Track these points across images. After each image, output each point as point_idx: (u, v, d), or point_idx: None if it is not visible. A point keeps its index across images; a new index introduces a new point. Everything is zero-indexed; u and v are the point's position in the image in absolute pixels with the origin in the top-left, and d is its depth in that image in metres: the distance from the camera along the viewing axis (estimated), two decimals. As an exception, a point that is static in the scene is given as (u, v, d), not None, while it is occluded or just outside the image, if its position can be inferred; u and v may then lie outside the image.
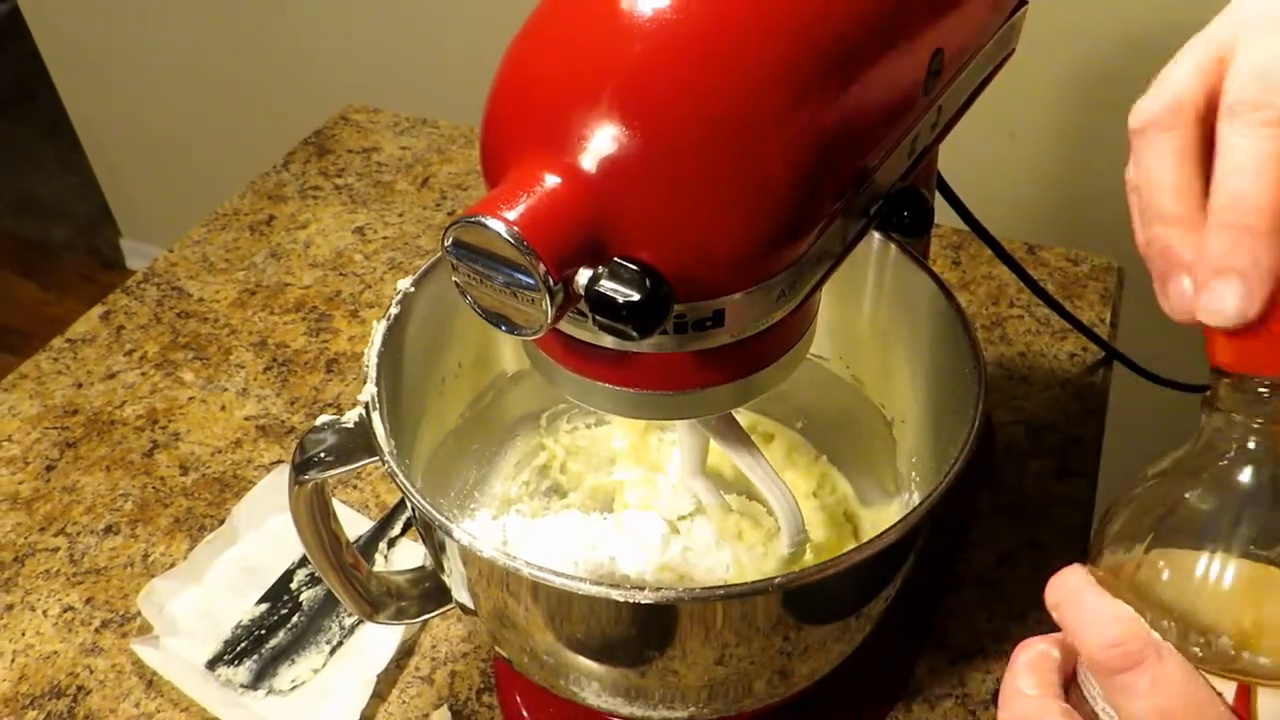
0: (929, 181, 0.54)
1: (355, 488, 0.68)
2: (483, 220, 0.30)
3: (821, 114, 0.33)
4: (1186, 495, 0.31)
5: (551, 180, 0.31)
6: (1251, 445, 0.29)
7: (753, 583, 0.36)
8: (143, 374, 0.75)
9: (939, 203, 0.59)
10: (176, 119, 1.66)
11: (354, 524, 0.65)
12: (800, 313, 0.38)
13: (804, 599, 0.40)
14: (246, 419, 0.72)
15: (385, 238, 0.87)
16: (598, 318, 0.30)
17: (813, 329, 0.41)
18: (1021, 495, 0.66)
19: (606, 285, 0.30)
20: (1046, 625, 0.59)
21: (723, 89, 0.31)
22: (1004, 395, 0.72)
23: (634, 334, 0.30)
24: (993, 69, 0.48)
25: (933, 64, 0.39)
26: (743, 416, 0.60)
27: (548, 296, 0.30)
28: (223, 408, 0.73)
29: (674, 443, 0.59)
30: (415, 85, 1.34)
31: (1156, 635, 0.29)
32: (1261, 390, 0.29)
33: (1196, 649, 0.29)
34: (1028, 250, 0.84)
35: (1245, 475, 0.29)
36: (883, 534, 0.36)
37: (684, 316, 0.34)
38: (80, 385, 0.74)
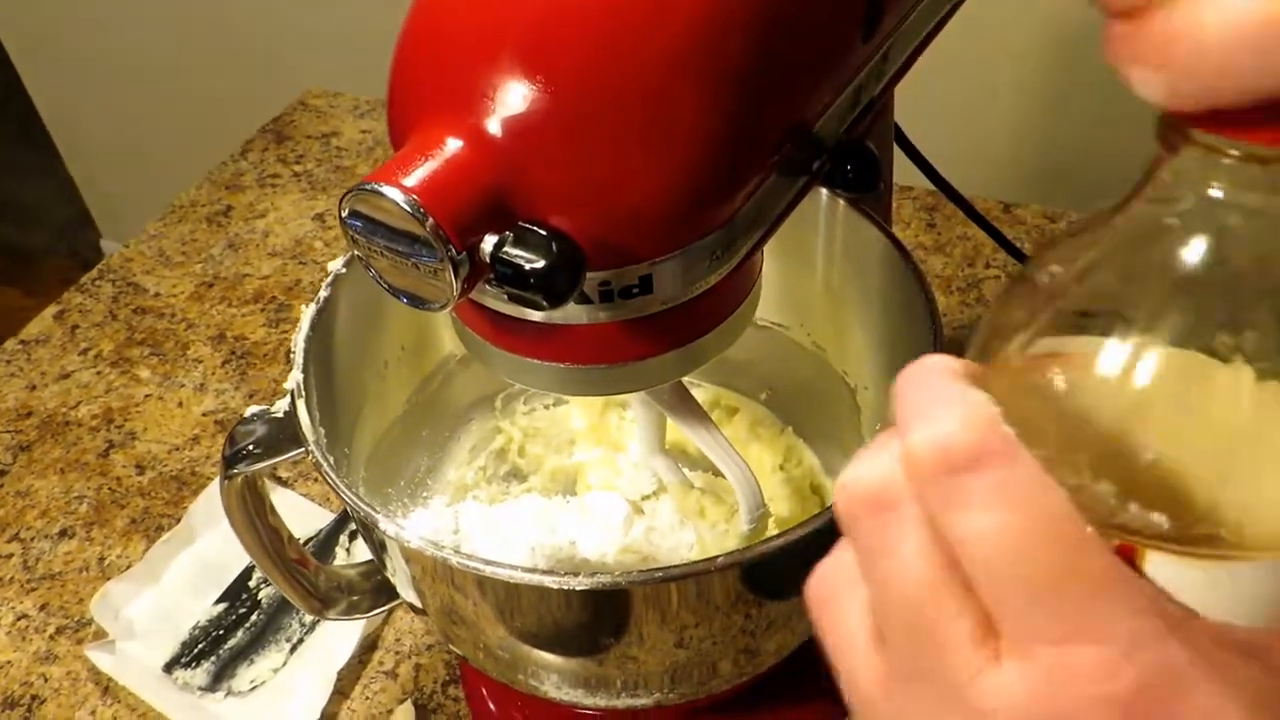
0: (885, 137, 0.52)
1: (316, 480, 0.66)
2: (378, 188, 0.28)
3: (741, 61, 0.31)
4: (1107, 263, 0.21)
5: (453, 144, 0.29)
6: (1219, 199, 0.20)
7: (692, 563, 0.34)
8: (98, 373, 0.73)
9: (909, 163, 0.57)
10: (149, 117, 1.64)
11: (315, 518, 0.63)
12: (740, 275, 0.36)
13: (757, 575, 0.38)
14: (205, 414, 0.70)
15: (345, 224, 0.85)
16: (505, 287, 0.28)
17: (757, 291, 0.38)
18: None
19: (511, 252, 0.28)
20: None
21: (628, 36, 0.29)
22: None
23: (544, 303, 0.28)
24: (945, 14, 0.46)
25: (871, 6, 0.37)
26: (705, 391, 0.58)
27: (451, 268, 0.28)
28: (180, 404, 0.71)
29: (635, 420, 0.57)
30: (376, 67, 1.31)
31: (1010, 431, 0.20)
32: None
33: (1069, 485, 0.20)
34: (1003, 209, 0.82)
35: (1199, 246, 0.20)
36: (828, 509, 0.34)
37: (609, 284, 0.32)
38: (34, 387, 0.72)
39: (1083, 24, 0.97)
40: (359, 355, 0.46)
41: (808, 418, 0.55)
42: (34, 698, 0.55)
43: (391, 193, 0.28)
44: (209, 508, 0.63)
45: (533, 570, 0.33)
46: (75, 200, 1.92)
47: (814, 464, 0.54)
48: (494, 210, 0.29)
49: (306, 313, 0.43)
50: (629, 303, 0.33)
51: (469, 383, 0.54)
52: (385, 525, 0.35)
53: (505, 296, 0.32)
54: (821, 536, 0.36)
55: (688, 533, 0.51)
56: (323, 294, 0.44)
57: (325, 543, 0.61)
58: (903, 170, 0.56)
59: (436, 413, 0.53)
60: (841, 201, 0.46)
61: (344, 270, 0.45)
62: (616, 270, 0.32)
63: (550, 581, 0.33)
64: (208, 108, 1.55)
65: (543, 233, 0.28)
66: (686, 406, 0.45)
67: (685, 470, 0.53)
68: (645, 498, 0.54)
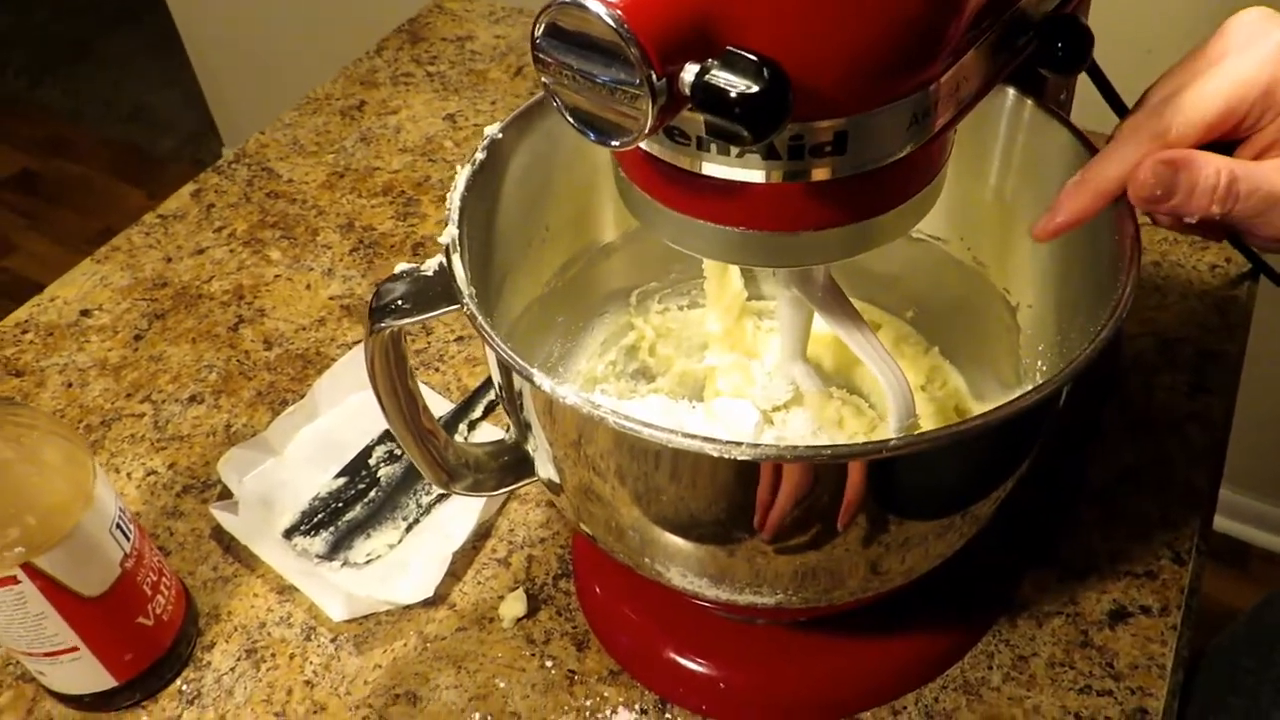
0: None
1: (437, 370, 0.66)
2: (581, 1, 0.26)
3: (975, -102, 0.28)
4: None
5: (659, -37, 0.27)
6: None
7: (864, 443, 0.32)
8: (231, 251, 0.74)
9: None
10: (278, 32, 1.66)
11: (435, 406, 0.63)
12: (930, 152, 0.34)
13: (915, 473, 0.36)
14: (331, 298, 0.71)
15: (476, 125, 0.84)
16: (707, 117, 0.27)
17: (942, 177, 0.36)
18: (1149, 411, 0.61)
19: (719, 75, 0.26)
20: (1170, 548, 0.54)
21: None
22: (1134, 306, 0.66)
23: (746, 134, 0.26)
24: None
25: None
26: (847, 304, 0.56)
27: (649, 93, 0.27)
28: (308, 286, 0.71)
29: (771, 330, 0.55)
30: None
31: None
32: None
33: None
34: (1167, 155, 0.76)
35: None
36: (1016, 399, 0.32)
37: (800, 138, 0.30)
38: (170, 259, 0.74)
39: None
40: (508, 228, 0.45)
41: (957, 338, 0.52)
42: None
43: (594, 7, 0.26)
44: (333, 385, 0.63)
45: (694, 436, 0.32)
46: (202, 110, 1.97)
47: (960, 385, 0.52)
48: (697, 36, 0.27)
49: (462, 173, 0.42)
50: (818, 162, 0.31)
51: (607, 273, 0.53)
52: (541, 380, 0.34)
53: (690, 147, 0.31)
54: (999, 434, 0.34)
55: (822, 443, 0.49)
56: (479, 155, 0.43)
57: (445, 429, 0.61)
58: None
59: (573, 300, 0.52)
60: (1029, 103, 0.43)
61: (500, 136, 0.44)
62: (811, 123, 0.30)
63: (710, 449, 0.32)
64: (333, 26, 1.56)
65: (753, 57, 0.26)
66: (841, 307, 0.43)
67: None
68: (776, 409, 0.52)
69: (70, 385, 0.65)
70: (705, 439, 0.32)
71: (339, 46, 1.55)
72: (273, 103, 1.78)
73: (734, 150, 0.31)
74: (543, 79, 0.29)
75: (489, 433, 0.61)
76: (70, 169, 2.18)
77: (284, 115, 0.86)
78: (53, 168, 2.18)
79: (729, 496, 0.36)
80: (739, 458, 0.32)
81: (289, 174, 0.81)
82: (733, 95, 0.26)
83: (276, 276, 0.72)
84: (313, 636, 0.53)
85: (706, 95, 0.26)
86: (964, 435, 0.32)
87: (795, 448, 0.31)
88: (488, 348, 0.37)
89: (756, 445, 0.31)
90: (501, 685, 0.50)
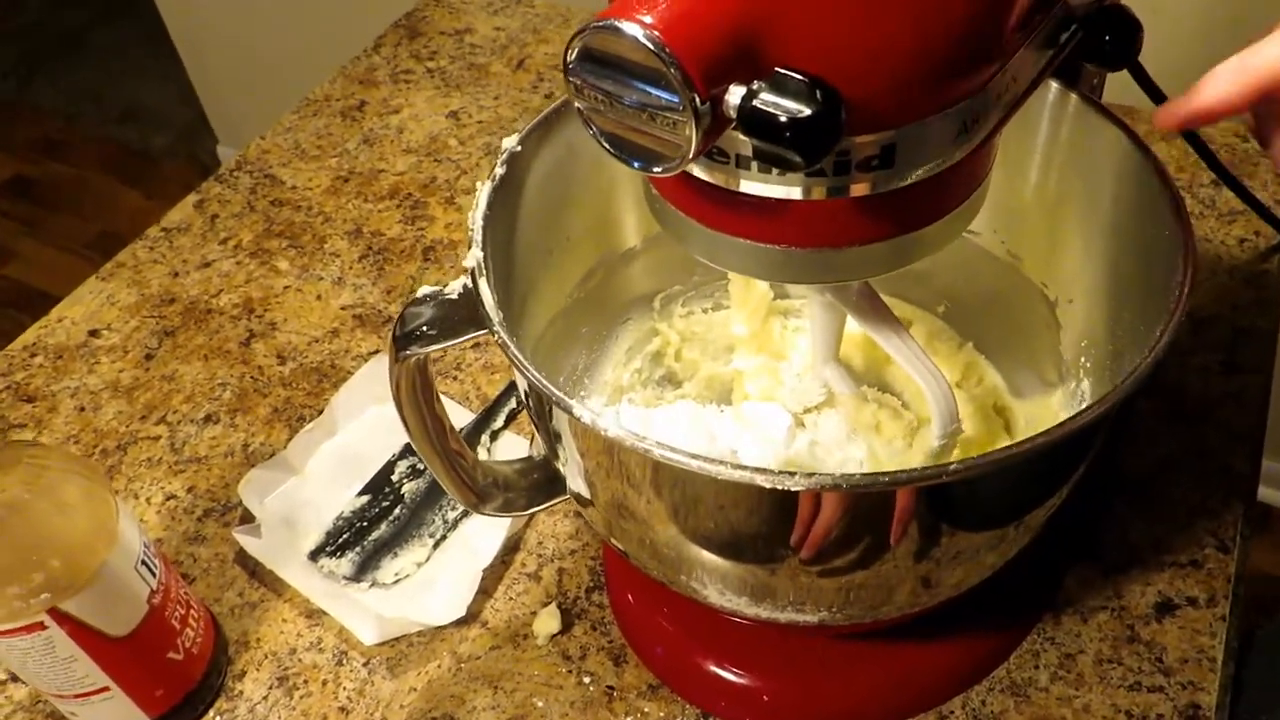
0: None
1: (455, 379, 0.65)
2: (616, 24, 0.25)
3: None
4: None
5: (697, -22, 0.26)
6: None
7: (921, 469, 0.31)
8: (238, 263, 0.73)
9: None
10: (271, 26, 1.63)
11: (455, 416, 0.61)
12: (978, 156, 0.32)
13: (971, 492, 0.35)
14: (343, 308, 0.69)
15: (480, 122, 0.82)
16: (756, 142, 0.25)
17: (987, 183, 0.35)
18: (1183, 394, 0.60)
19: (767, 99, 0.25)
20: (1214, 536, 0.53)
21: None
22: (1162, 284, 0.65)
23: (798, 159, 0.25)
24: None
25: None
26: (877, 300, 0.54)
27: (692, 117, 0.25)
28: (319, 297, 0.70)
29: (798, 329, 0.54)
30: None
31: None
32: None
33: None
34: (1190, 126, 0.75)
35: None
36: (1090, 407, 0.31)
37: (846, 153, 0.29)
38: (176, 274, 0.72)
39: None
40: (530, 241, 0.44)
41: (991, 333, 0.51)
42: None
43: (630, 29, 0.25)
44: (350, 400, 0.62)
45: (743, 467, 0.31)
46: (194, 105, 1.94)
47: (997, 383, 0.50)
48: (740, 55, 0.26)
49: (483, 190, 0.40)
50: (864, 176, 0.30)
51: (629, 279, 0.51)
52: (580, 412, 0.33)
53: (730, 164, 0.29)
54: (1067, 445, 0.33)
55: (857, 448, 0.48)
56: (499, 171, 0.41)
57: (465, 442, 0.60)
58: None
59: (596, 309, 0.50)
60: (1073, 97, 0.41)
61: (519, 148, 0.42)
62: (859, 138, 0.28)
63: (762, 480, 0.30)
64: (327, 18, 1.53)
65: (803, 79, 0.25)
66: (877, 310, 0.42)
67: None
68: (808, 410, 0.51)
69: (83, 409, 0.64)
70: (755, 469, 0.30)
71: (330, 36, 1.53)
72: (265, 95, 1.76)
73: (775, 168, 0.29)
74: (577, 104, 0.27)
75: (511, 442, 0.60)
76: (64, 172, 2.15)
77: (284, 119, 0.85)
78: (47, 171, 2.16)
79: (774, 521, 0.35)
80: (792, 488, 0.30)
81: (292, 180, 0.79)
82: (783, 120, 0.24)
83: (286, 287, 0.71)
84: (345, 661, 0.52)
85: (755, 120, 0.25)
86: (1025, 455, 0.31)
87: (851, 477, 0.30)
88: (519, 374, 0.36)
89: (810, 475, 0.30)
90: (540, 704, 0.50)
